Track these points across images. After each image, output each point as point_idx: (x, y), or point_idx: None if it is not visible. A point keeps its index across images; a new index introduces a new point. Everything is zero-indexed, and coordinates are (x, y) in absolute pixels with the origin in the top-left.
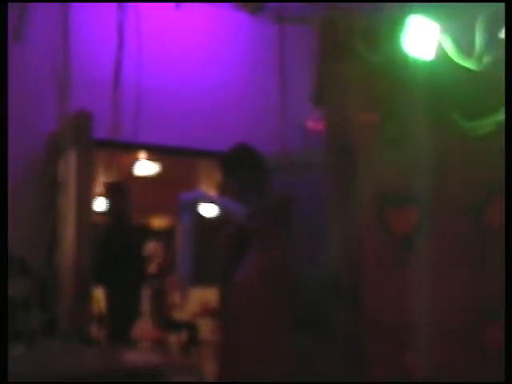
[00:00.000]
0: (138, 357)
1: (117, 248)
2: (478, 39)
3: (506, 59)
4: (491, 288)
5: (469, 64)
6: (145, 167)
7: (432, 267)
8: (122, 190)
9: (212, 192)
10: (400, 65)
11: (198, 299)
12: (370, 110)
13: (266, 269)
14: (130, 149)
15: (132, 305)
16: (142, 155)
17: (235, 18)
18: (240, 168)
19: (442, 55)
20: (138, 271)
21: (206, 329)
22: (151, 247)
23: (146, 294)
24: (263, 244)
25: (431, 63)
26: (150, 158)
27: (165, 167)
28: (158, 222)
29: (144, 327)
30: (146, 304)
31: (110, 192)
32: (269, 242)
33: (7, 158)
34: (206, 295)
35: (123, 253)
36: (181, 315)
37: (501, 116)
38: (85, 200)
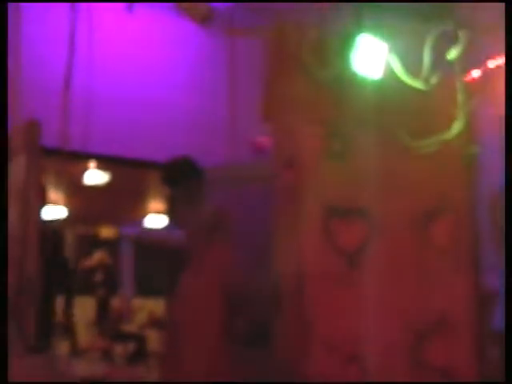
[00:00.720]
0: (84, 366)
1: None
2: (426, 59)
3: (506, 60)
4: (435, 303)
5: (416, 83)
6: (94, 176)
7: (377, 281)
8: None
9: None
10: (348, 81)
11: (146, 310)
12: (317, 125)
13: (205, 283)
14: (79, 158)
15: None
16: (92, 164)
17: (186, 29)
18: (182, 180)
19: (390, 73)
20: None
21: (155, 340)
22: (97, 256)
23: (91, 303)
24: (201, 260)
25: (379, 81)
26: (99, 167)
27: (114, 177)
28: (106, 232)
29: (90, 337)
30: (91, 313)
31: None
32: (207, 257)
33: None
34: (154, 306)
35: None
36: (129, 326)
37: (446, 135)
38: (33, 208)
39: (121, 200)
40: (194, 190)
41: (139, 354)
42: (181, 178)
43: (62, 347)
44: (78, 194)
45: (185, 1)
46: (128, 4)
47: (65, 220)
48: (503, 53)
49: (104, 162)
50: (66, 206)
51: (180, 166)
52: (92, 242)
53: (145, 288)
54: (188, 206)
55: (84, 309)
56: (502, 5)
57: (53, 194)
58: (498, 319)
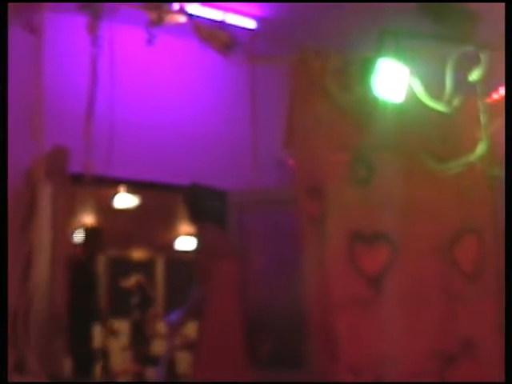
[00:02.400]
0: None
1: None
2: (448, 81)
3: (506, 61)
4: (461, 328)
5: (438, 106)
6: (124, 200)
7: (401, 306)
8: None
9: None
10: (370, 106)
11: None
12: (340, 150)
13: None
14: (103, 183)
15: None
16: (122, 188)
17: (207, 56)
18: (197, 205)
19: (412, 97)
20: None
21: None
22: (134, 279)
23: (126, 326)
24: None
25: (401, 105)
26: (129, 191)
27: (144, 201)
28: (138, 254)
29: (123, 360)
30: (125, 337)
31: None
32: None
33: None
34: (187, 328)
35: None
36: (160, 349)
37: (470, 157)
38: (60, 234)
39: (151, 223)
40: (213, 213)
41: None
42: (199, 202)
43: (96, 372)
44: (108, 217)
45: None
46: (148, 37)
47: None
48: None
49: (132, 187)
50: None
51: (197, 190)
52: (125, 265)
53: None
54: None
55: (119, 332)
56: None
57: (84, 218)
58: None
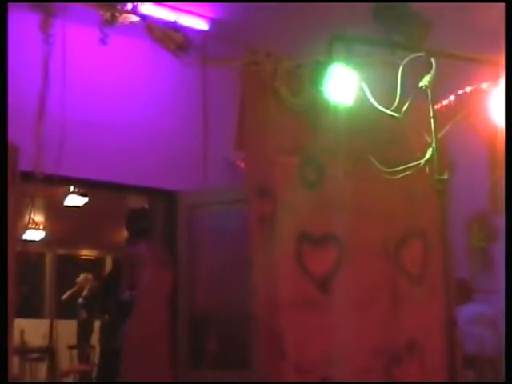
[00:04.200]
0: None
1: None
2: (398, 86)
3: (506, 61)
4: (406, 328)
5: (388, 110)
6: (73, 199)
7: (348, 307)
8: None
9: None
10: (320, 110)
11: None
12: (290, 152)
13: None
14: (53, 182)
15: None
16: (71, 187)
17: (159, 57)
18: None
19: (362, 101)
20: None
21: None
22: (82, 278)
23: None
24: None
25: (351, 109)
26: (78, 191)
27: (93, 200)
28: (87, 253)
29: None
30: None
31: None
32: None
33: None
34: None
35: None
36: None
37: (418, 162)
38: (10, 231)
39: (99, 223)
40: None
41: None
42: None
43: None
44: (57, 216)
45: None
46: (101, 36)
47: (45, 242)
48: (473, 80)
49: (82, 186)
50: (45, 228)
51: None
52: (74, 264)
53: None
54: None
55: (66, 332)
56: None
57: (32, 217)
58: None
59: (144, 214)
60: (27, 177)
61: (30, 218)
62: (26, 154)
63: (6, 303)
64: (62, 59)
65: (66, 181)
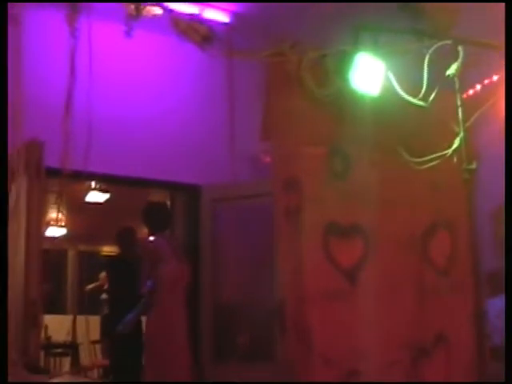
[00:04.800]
0: None
1: None
2: (425, 75)
3: (506, 61)
4: (433, 321)
5: (415, 100)
6: (96, 195)
7: (375, 298)
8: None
9: None
10: (347, 100)
11: None
12: (317, 144)
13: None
14: (78, 178)
15: None
16: (95, 183)
17: (185, 49)
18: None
19: (389, 91)
20: None
21: None
22: (104, 275)
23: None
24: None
25: (378, 99)
26: (100, 186)
27: (117, 195)
28: (109, 249)
29: (93, 355)
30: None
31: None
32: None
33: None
34: None
35: None
36: None
37: (445, 151)
38: (35, 227)
39: (121, 219)
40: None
41: None
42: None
43: (65, 366)
44: (79, 213)
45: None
46: (126, 29)
47: (67, 239)
48: (502, 68)
49: (107, 182)
50: (67, 225)
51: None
52: (95, 260)
53: None
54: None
55: (89, 328)
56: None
57: (55, 213)
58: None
59: (162, 207)
60: (52, 173)
61: (57, 214)
62: (50, 150)
63: (5, 303)
64: (88, 54)
65: (91, 176)
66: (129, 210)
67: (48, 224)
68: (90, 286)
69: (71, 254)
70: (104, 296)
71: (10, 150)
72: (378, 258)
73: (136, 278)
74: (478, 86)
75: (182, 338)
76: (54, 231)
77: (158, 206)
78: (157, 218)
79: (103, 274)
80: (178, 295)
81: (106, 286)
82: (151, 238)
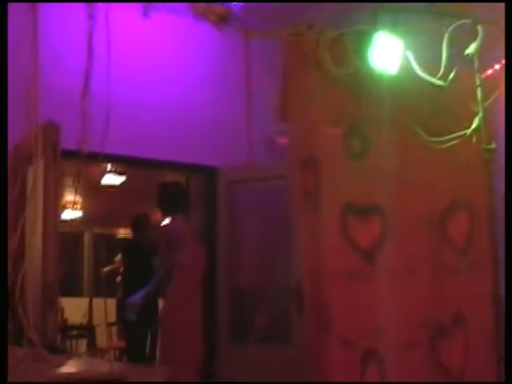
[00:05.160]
0: (103, 366)
1: None
2: (444, 54)
3: (506, 60)
4: (451, 300)
5: (434, 79)
6: (111, 177)
7: (393, 278)
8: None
9: None
10: (365, 79)
11: None
12: (335, 123)
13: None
14: (97, 160)
15: None
16: (109, 165)
17: (201, 31)
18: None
19: (408, 71)
20: None
21: None
22: (120, 257)
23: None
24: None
25: (397, 78)
26: (116, 168)
27: (131, 177)
28: (124, 232)
29: (109, 337)
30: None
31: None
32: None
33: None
34: None
35: None
36: None
37: (464, 131)
38: (52, 210)
39: (137, 201)
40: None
41: None
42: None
43: (81, 348)
44: (95, 196)
45: (201, 0)
46: (144, 9)
47: (83, 221)
48: None
49: (122, 164)
50: (83, 208)
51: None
52: (111, 243)
53: None
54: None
55: (105, 310)
56: None
57: (71, 196)
58: None
59: (176, 187)
60: (68, 155)
61: (74, 196)
62: (70, 133)
63: (6, 303)
64: (105, 37)
65: (108, 158)
66: (144, 192)
67: (64, 207)
68: (106, 269)
69: (87, 236)
70: (119, 279)
71: (27, 133)
72: (396, 238)
73: (150, 262)
74: (497, 66)
75: (197, 321)
76: (70, 214)
77: (173, 186)
78: (172, 199)
79: (119, 257)
80: (194, 278)
81: (121, 269)
82: (167, 221)
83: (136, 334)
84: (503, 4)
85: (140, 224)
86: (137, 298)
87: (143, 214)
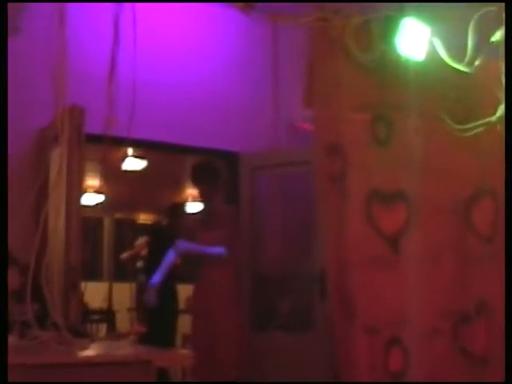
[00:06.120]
0: (127, 349)
1: None
2: (470, 41)
3: (506, 60)
4: (475, 289)
5: (460, 66)
6: (133, 162)
7: (418, 266)
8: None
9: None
10: (391, 66)
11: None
12: (361, 110)
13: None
14: (122, 144)
15: None
16: (131, 150)
17: (227, 16)
18: (208, 180)
19: (434, 57)
20: None
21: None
22: (140, 241)
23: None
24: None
25: (422, 65)
26: (138, 153)
27: (153, 162)
28: (145, 217)
29: (129, 322)
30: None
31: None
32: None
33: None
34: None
35: None
36: None
37: (491, 117)
38: (74, 194)
39: (158, 186)
40: (220, 189)
41: None
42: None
43: (101, 333)
44: (116, 180)
45: None
46: None
47: (103, 206)
48: None
49: (145, 148)
50: (104, 192)
51: (207, 169)
52: (131, 228)
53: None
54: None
55: (125, 295)
56: None
57: (92, 180)
58: None
59: (211, 166)
60: (92, 139)
61: (99, 181)
62: (96, 117)
63: (5, 302)
64: (131, 22)
65: (132, 143)
66: (166, 178)
67: (86, 191)
68: (125, 255)
69: (107, 221)
70: (140, 264)
71: (53, 117)
72: (421, 225)
73: None
74: None
75: (228, 306)
76: (92, 198)
77: (209, 163)
78: (207, 176)
79: (139, 242)
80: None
81: (143, 253)
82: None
83: (156, 319)
84: None
85: (176, 212)
86: (155, 278)
87: (181, 203)
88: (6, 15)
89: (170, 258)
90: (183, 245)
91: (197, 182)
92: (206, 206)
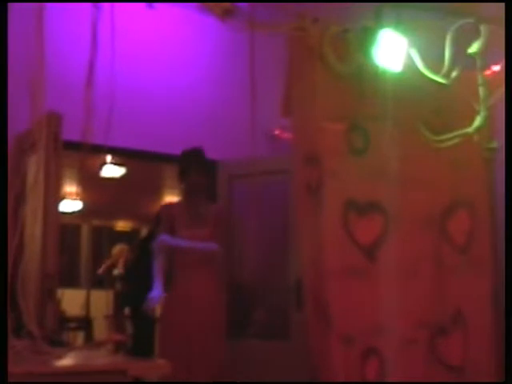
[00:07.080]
0: (104, 358)
1: None
2: (447, 53)
3: (506, 59)
4: (451, 299)
5: (437, 78)
6: (111, 169)
7: (394, 276)
8: None
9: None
10: (368, 76)
11: None
12: (338, 119)
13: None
14: (100, 151)
15: None
16: (109, 157)
17: (205, 23)
18: (188, 172)
19: (411, 68)
20: None
21: None
22: (117, 249)
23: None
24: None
25: (400, 76)
26: (116, 160)
27: (131, 169)
28: (123, 225)
29: (107, 329)
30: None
31: None
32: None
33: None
34: None
35: None
36: None
37: (466, 130)
38: (52, 201)
39: (135, 194)
40: (202, 182)
41: None
42: (188, 171)
43: (79, 340)
44: (94, 187)
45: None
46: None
47: (81, 213)
48: None
49: (123, 156)
50: (82, 199)
51: (188, 159)
52: (109, 235)
53: None
54: (198, 199)
55: (102, 302)
56: None
57: (69, 187)
58: None
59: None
60: (70, 146)
61: (76, 187)
62: (74, 124)
63: (5, 302)
64: (109, 28)
65: (109, 150)
66: (144, 185)
67: (63, 198)
68: (102, 268)
69: (85, 228)
70: (117, 272)
71: (31, 124)
72: (397, 236)
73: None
74: (496, 67)
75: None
76: (70, 205)
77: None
78: (204, 162)
79: (116, 250)
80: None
81: (120, 261)
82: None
83: (142, 328)
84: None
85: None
86: (157, 291)
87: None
88: (5, 15)
89: (159, 264)
90: (167, 239)
91: (191, 167)
92: (195, 198)
